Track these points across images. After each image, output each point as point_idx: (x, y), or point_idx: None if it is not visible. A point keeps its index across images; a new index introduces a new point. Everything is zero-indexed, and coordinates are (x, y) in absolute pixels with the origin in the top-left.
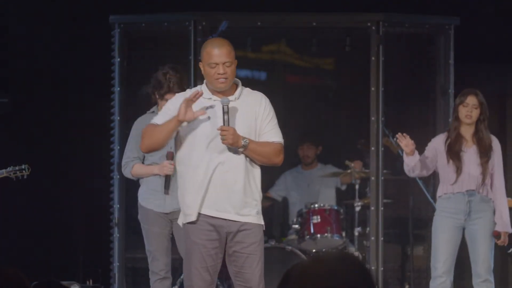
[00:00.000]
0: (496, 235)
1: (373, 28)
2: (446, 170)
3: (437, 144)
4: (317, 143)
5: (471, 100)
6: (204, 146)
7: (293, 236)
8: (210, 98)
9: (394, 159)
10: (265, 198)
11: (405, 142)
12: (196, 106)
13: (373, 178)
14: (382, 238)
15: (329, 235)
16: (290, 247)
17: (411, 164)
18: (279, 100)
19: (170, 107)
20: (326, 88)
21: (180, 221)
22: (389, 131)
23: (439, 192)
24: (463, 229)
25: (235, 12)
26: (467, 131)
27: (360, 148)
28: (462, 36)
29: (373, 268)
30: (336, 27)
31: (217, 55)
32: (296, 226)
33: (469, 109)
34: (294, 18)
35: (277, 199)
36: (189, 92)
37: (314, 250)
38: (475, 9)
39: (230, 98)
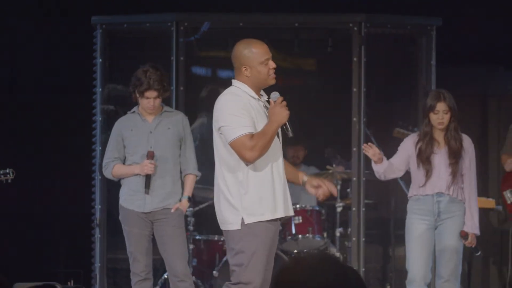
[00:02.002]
0: (464, 235)
1: (355, 28)
2: (416, 172)
3: (408, 146)
4: (305, 146)
5: (441, 106)
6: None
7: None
8: (259, 99)
9: None
10: None
11: (372, 152)
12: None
13: (354, 179)
14: (363, 239)
15: (311, 235)
16: None
17: (381, 170)
18: None
19: (243, 112)
20: (308, 89)
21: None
22: (370, 132)
23: (409, 193)
24: (435, 229)
25: (217, 13)
26: (439, 134)
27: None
28: (444, 37)
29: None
30: (318, 27)
31: (266, 50)
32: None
33: (440, 115)
34: (276, 18)
35: None
36: (237, 92)
37: (295, 251)
38: (457, 10)
39: (275, 92)
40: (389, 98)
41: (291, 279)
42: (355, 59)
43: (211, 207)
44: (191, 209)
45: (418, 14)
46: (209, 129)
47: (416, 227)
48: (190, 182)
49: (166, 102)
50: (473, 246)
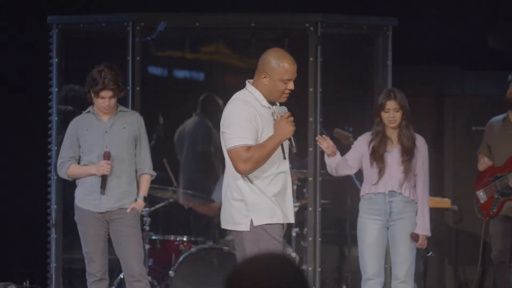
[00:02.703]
0: (414, 237)
1: (312, 28)
2: (369, 171)
3: (361, 144)
4: None
5: (391, 104)
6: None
7: (231, 237)
8: (270, 107)
9: None
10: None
11: (325, 144)
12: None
13: (310, 178)
14: (319, 239)
15: None
16: (227, 248)
17: (333, 165)
18: (218, 101)
19: (247, 122)
20: None
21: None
22: (327, 132)
23: (361, 192)
24: (387, 228)
25: (173, 13)
26: (392, 132)
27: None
28: (400, 37)
29: (310, 269)
30: (274, 27)
31: (293, 71)
32: None
33: (391, 114)
34: (233, 18)
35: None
36: (249, 99)
37: None
38: (414, 10)
39: (283, 107)
40: (345, 98)
41: (243, 279)
42: (311, 59)
43: (167, 207)
44: (146, 209)
45: (374, 14)
46: (164, 129)
47: (368, 227)
48: (145, 182)
49: (122, 102)
50: (424, 247)
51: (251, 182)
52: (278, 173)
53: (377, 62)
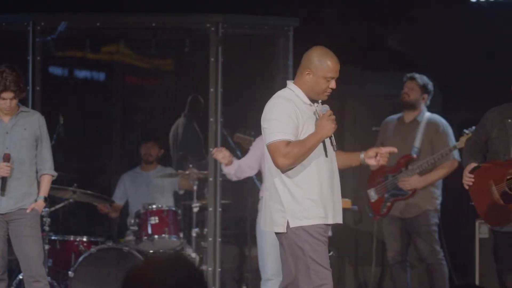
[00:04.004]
0: None
1: (213, 29)
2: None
3: (261, 145)
4: (160, 144)
5: None
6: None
7: (131, 237)
8: (311, 105)
9: None
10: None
11: (221, 155)
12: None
13: (211, 179)
14: (219, 239)
15: (167, 236)
16: (127, 248)
17: (231, 172)
18: (118, 101)
19: (288, 118)
20: (165, 89)
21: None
22: (227, 132)
23: (260, 193)
24: None
25: (74, 13)
26: None
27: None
28: (302, 37)
29: (210, 269)
30: (175, 28)
31: (337, 70)
32: (134, 227)
33: None
34: (133, 18)
35: (121, 203)
36: (290, 96)
37: (151, 251)
38: (315, 11)
39: (325, 105)
40: (247, 98)
41: (141, 280)
42: (212, 59)
43: (67, 207)
44: (47, 209)
45: (276, 15)
46: (65, 130)
47: None
48: (46, 182)
49: (23, 101)
50: None
51: (289, 182)
52: (319, 172)
53: (278, 62)
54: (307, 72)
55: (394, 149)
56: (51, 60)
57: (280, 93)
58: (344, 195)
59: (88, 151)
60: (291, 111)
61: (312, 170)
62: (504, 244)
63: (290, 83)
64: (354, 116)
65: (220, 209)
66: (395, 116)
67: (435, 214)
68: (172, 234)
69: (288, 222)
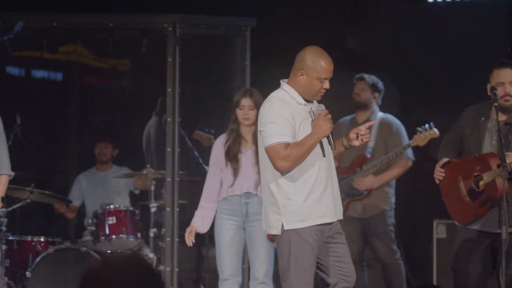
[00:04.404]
0: (270, 238)
1: (170, 29)
2: (225, 172)
3: (217, 147)
4: (114, 144)
5: (246, 102)
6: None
7: (88, 237)
8: (306, 105)
9: (190, 160)
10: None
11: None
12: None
13: (168, 179)
14: (177, 239)
15: (124, 236)
16: (85, 248)
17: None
18: (76, 101)
19: (284, 120)
20: (123, 89)
21: (291, 225)
22: (185, 132)
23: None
24: (244, 229)
25: (30, 13)
26: (247, 132)
27: None
28: (259, 37)
29: (168, 269)
30: (132, 27)
31: (330, 70)
32: (92, 227)
33: (245, 111)
34: (90, 18)
35: (77, 203)
36: (284, 97)
37: (109, 251)
38: (272, 11)
39: (321, 105)
40: (205, 98)
41: (98, 280)
42: (169, 59)
43: (24, 207)
44: (4, 209)
45: (233, 15)
46: (23, 130)
47: (225, 228)
48: (3, 182)
49: None
50: None
51: (285, 185)
52: (318, 172)
53: (236, 62)
54: (300, 73)
55: (372, 122)
56: (8, 60)
57: (274, 94)
58: None
59: (45, 151)
60: (287, 113)
61: (311, 170)
62: (464, 241)
63: (284, 84)
64: None
65: (177, 209)
66: (348, 117)
67: (391, 213)
68: (130, 234)
69: (282, 225)
